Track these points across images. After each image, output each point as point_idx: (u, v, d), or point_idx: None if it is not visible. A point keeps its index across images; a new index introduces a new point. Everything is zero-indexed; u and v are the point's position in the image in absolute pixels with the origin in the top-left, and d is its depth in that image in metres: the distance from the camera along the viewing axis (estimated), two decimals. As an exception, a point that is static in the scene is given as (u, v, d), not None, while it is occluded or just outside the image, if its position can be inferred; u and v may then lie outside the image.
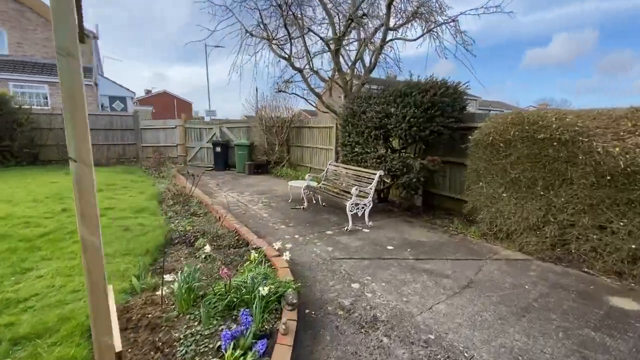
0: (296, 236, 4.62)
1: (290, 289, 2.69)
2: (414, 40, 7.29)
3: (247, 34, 7.58)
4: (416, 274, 3.47)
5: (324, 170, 6.58)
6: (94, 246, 1.50)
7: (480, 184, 4.59)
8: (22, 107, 10.36)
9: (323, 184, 6.30)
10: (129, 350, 2.05)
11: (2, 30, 15.97)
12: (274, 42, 7.71)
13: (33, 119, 10.49)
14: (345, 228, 4.94)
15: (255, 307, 2.34)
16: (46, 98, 16.08)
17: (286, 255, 3.21)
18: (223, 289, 2.57)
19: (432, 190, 6.21)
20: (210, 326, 2.30)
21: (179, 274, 2.66)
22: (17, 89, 15.46)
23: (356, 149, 5.89)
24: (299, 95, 8.76)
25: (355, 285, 3.21)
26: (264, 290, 2.41)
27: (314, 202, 6.51)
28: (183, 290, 2.51)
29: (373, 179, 5.19)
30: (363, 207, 5.06)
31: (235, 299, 2.52)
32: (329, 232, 4.80)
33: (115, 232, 4.10)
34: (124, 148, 12.48)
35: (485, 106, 34.25)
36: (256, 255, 3.30)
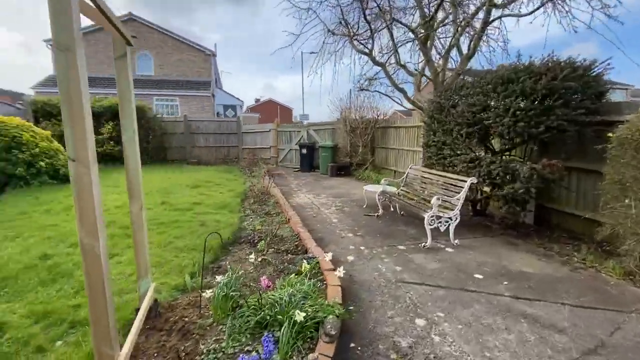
0: (361, 247, 4.13)
1: (332, 315, 2.26)
2: (529, 14, 5.79)
3: (329, 33, 7.44)
4: (511, 320, 2.57)
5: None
6: (92, 250, 1.41)
7: (627, 200, 3.19)
8: (156, 116, 12.79)
9: (402, 190, 5.59)
10: (155, 354, 2.00)
11: (150, 56, 20.28)
12: (354, 38, 7.34)
13: (162, 125, 12.84)
14: (423, 245, 4.19)
15: (283, 334, 2.00)
16: (177, 108, 19.67)
17: (340, 271, 2.80)
18: (257, 303, 2.33)
19: (548, 205, 4.78)
20: (237, 344, 2.09)
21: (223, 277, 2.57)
22: (157, 102, 19.38)
23: (444, 151, 5.00)
24: (381, 93, 8.19)
25: (421, 322, 2.55)
26: (299, 316, 2.06)
27: (392, 209, 5.85)
28: (220, 298, 2.38)
29: (462, 188, 4.27)
30: (447, 222, 4.20)
31: (268, 317, 2.25)
32: (401, 247, 4.15)
33: (192, 227, 4.43)
34: (229, 150, 14.09)
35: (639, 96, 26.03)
36: (307, 266, 2.99)
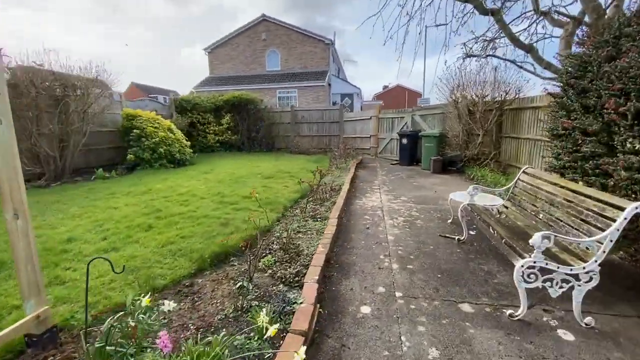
0: (397, 294, 2.68)
1: None
2: None
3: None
4: None
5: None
6: None
7: None
8: (266, 107, 13.61)
9: (504, 207, 3.55)
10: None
11: (278, 52, 22.04)
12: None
13: (271, 116, 13.56)
14: (510, 313, 2.36)
15: None
16: (295, 99, 20.79)
17: (302, 354, 1.63)
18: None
19: None
20: None
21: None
22: (280, 94, 20.98)
23: (584, 146, 2.73)
24: (497, 57, 5.66)
25: None
26: None
27: (490, 230, 3.84)
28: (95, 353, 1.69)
29: (612, 221, 2.14)
30: (567, 282, 2.21)
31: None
32: (465, 308, 2.46)
33: (212, 225, 4.00)
34: (330, 139, 13.70)
35: None
36: (265, 320, 1.93)
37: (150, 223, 4.06)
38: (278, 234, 3.95)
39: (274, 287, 2.69)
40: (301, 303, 2.34)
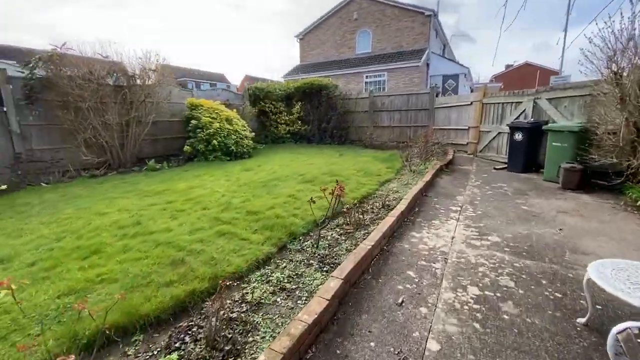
0: None
1: None
2: None
3: None
4: None
5: None
6: None
7: None
8: (341, 93, 12.00)
9: None
10: None
11: (369, 31, 19.86)
12: None
13: (345, 103, 11.89)
14: None
15: None
16: (384, 84, 18.39)
17: None
18: None
19: None
20: None
21: None
22: (367, 79, 18.92)
23: None
24: None
25: None
26: None
27: None
28: None
29: None
30: None
31: None
32: None
33: (163, 261, 2.78)
34: (415, 131, 11.19)
35: None
36: None
37: (103, 247, 3.14)
38: (248, 291, 2.48)
39: None
40: None
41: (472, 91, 21.08)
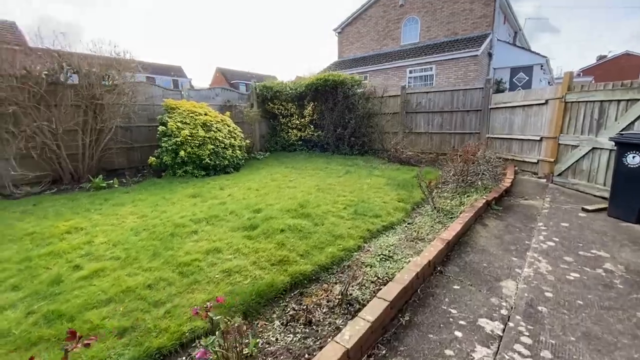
0: None
1: None
2: None
3: None
4: None
5: None
6: None
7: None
8: (363, 92, 9.57)
9: None
10: None
11: (418, 19, 16.83)
12: None
13: (365, 104, 9.43)
14: None
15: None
16: (432, 78, 15.27)
17: None
18: None
19: None
20: None
21: None
22: (411, 74, 15.97)
23: None
24: None
25: None
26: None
27: None
28: None
29: None
30: None
31: None
32: None
33: None
34: (462, 139, 8.30)
35: None
36: None
37: None
38: None
39: None
40: None
41: (550, 85, 16.65)
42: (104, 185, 5.95)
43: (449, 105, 8.49)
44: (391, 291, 2.34)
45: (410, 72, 15.89)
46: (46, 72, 5.74)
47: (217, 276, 2.67)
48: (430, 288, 2.66)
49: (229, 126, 7.83)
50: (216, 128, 7.24)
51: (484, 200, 4.54)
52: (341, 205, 4.53)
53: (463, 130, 8.32)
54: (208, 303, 1.92)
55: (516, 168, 6.86)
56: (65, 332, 2.00)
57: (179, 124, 6.69)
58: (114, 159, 7.28)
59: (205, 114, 7.37)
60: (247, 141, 8.58)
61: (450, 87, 8.57)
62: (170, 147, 6.53)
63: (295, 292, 2.65)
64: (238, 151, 7.68)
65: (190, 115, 7.00)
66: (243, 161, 8.15)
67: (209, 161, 6.83)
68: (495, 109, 7.62)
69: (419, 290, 2.62)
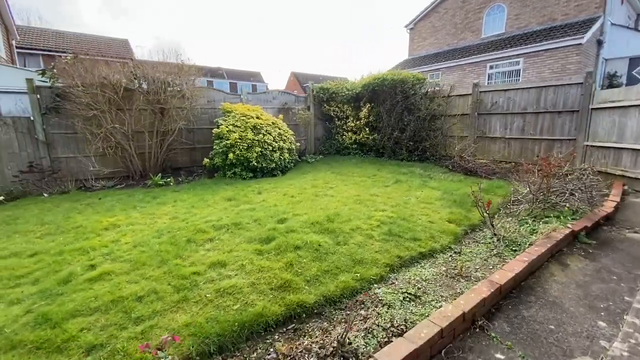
0: None
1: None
2: None
3: None
4: None
5: None
6: None
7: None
8: (427, 92, 8.58)
9: None
10: None
11: (504, 6, 14.67)
12: None
13: (428, 105, 8.41)
14: None
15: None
16: (519, 73, 13.07)
17: None
18: None
19: None
20: None
21: None
22: (492, 69, 13.97)
23: None
24: None
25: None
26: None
27: None
28: None
29: None
30: None
31: None
32: None
33: None
34: (550, 146, 6.78)
35: None
36: None
37: None
38: None
39: None
40: None
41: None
42: (162, 182, 6.46)
43: (533, 105, 7.01)
44: (395, 353, 1.77)
45: (492, 67, 13.92)
46: (124, 80, 6.47)
47: (208, 295, 2.45)
48: (459, 352, 1.99)
49: (279, 129, 7.82)
50: (265, 131, 7.28)
51: (568, 230, 3.47)
52: (375, 221, 3.95)
53: (551, 135, 6.77)
54: (165, 336, 1.68)
55: (626, 187, 5.23)
56: (44, 339, 1.99)
57: (230, 127, 6.90)
58: (178, 158, 7.93)
59: (257, 117, 7.48)
60: (298, 144, 8.48)
61: (535, 84, 7.06)
62: (221, 149, 6.77)
63: (289, 327, 2.27)
64: (286, 154, 7.60)
65: (242, 118, 7.17)
66: (292, 164, 8.06)
67: (255, 164, 6.89)
68: (599, 109, 5.97)
69: (442, 354, 1.98)
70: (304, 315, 2.37)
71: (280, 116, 8.56)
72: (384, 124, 8.84)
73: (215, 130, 7.00)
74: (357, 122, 9.46)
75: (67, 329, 2.05)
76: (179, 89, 7.05)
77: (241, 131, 6.92)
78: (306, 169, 7.97)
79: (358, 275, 2.79)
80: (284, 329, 2.25)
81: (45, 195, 5.83)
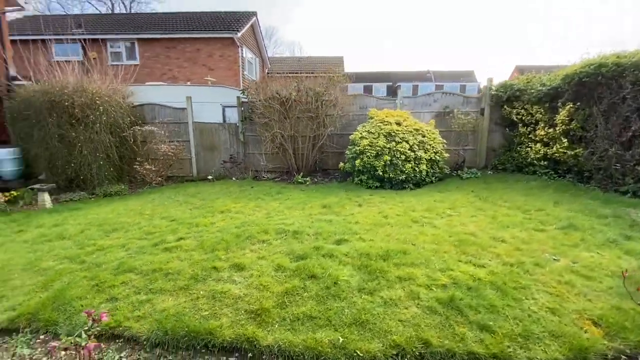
0: None
1: None
2: None
3: None
4: None
5: None
6: None
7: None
8: None
9: None
10: None
11: None
12: None
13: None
14: None
15: None
16: None
17: None
18: None
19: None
20: None
21: None
22: None
23: None
24: None
25: None
26: None
27: None
28: None
29: None
30: None
31: None
32: None
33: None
34: None
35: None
36: None
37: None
38: None
39: None
40: None
41: None
42: (301, 181, 7.37)
43: None
44: None
45: None
46: (293, 93, 7.82)
47: (196, 292, 2.66)
48: None
49: (423, 136, 6.86)
50: (401, 138, 6.61)
51: None
52: (448, 278, 2.76)
53: None
54: (102, 311, 2.02)
55: None
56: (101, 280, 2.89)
57: (364, 133, 6.80)
58: (328, 161, 8.72)
59: (397, 123, 6.91)
60: (446, 155, 7.09)
61: None
62: (351, 155, 6.83)
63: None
64: (424, 166, 6.57)
65: (378, 124, 6.86)
66: (433, 178, 6.88)
67: (381, 173, 6.43)
68: None
69: None
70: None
71: (432, 121, 7.47)
72: (595, 134, 5.75)
73: (351, 136, 7.12)
74: (550, 130, 6.66)
75: (113, 283, 2.86)
76: (330, 98, 7.69)
77: (373, 138, 6.65)
78: (448, 186, 6.56)
79: (340, 341, 2.10)
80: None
81: (234, 179, 8.11)
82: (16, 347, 2.14)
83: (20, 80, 8.07)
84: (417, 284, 2.70)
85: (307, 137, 8.01)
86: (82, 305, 2.54)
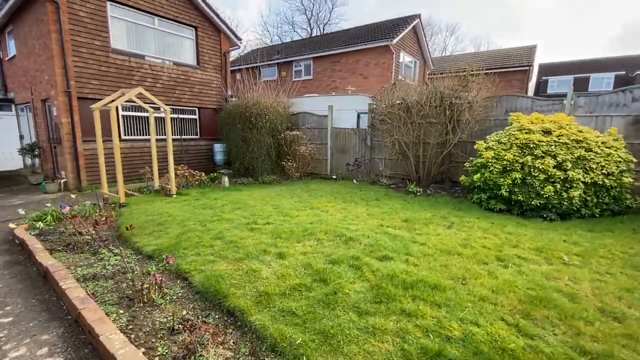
0: None
1: None
2: None
3: None
4: None
5: None
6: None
7: None
8: None
9: None
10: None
11: None
12: None
13: None
14: None
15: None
16: None
17: None
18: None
19: None
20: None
21: None
22: None
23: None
24: None
25: None
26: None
27: None
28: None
29: None
30: None
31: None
32: None
33: None
34: None
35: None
36: None
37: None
38: None
39: None
40: None
41: None
42: (412, 190, 6.97)
43: None
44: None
45: None
46: (419, 97, 7.48)
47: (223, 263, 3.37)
48: None
49: (588, 150, 4.95)
50: (544, 151, 5.03)
51: None
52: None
53: None
54: (170, 257, 3.06)
55: None
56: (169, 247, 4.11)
57: (491, 143, 5.66)
58: (458, 172, 7.70)
59: (545, 131, 5.30)
60: (630, 179, 4.77)
61: None
62: (472, 168, 5.85)
63: (223, 319, 2.69)
64: (578, 191, 4.74)
65: (514, 132, 5.50)
66: (597, 210, 4.85)
67: (505, 193, 5.17)
68: None
69: None
70: (235, 322, 2.59)
71: (612, 130, 5.21)
72: None
73: (475, 146, 6.06)
74: None
75: (207, 244, 4.02)
76: (465, 101, 6.81)
77: (503, 149, 5.42)
78: (616, 225, 4.45)
79: (297, 342, 2.24)
80: (220, 318, 2.70)
81: (354, 181, 8.65)
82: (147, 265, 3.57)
83: (230, 99, 11.73)
84: (416, 323, 2.31)
85: (429, 145, 7.42)
86: (184, 252, 3.80)
